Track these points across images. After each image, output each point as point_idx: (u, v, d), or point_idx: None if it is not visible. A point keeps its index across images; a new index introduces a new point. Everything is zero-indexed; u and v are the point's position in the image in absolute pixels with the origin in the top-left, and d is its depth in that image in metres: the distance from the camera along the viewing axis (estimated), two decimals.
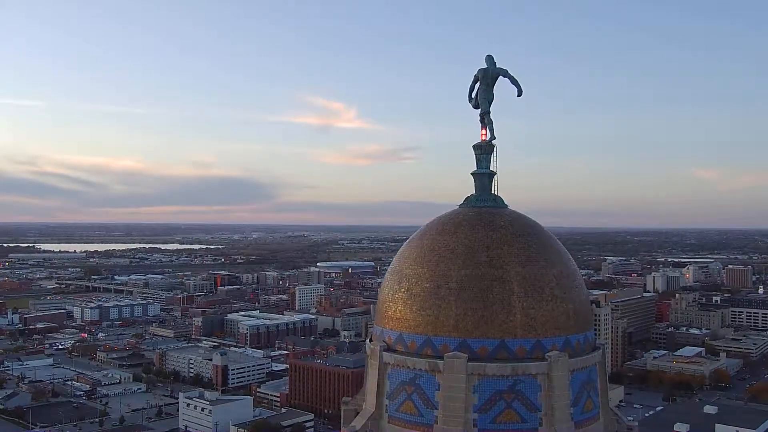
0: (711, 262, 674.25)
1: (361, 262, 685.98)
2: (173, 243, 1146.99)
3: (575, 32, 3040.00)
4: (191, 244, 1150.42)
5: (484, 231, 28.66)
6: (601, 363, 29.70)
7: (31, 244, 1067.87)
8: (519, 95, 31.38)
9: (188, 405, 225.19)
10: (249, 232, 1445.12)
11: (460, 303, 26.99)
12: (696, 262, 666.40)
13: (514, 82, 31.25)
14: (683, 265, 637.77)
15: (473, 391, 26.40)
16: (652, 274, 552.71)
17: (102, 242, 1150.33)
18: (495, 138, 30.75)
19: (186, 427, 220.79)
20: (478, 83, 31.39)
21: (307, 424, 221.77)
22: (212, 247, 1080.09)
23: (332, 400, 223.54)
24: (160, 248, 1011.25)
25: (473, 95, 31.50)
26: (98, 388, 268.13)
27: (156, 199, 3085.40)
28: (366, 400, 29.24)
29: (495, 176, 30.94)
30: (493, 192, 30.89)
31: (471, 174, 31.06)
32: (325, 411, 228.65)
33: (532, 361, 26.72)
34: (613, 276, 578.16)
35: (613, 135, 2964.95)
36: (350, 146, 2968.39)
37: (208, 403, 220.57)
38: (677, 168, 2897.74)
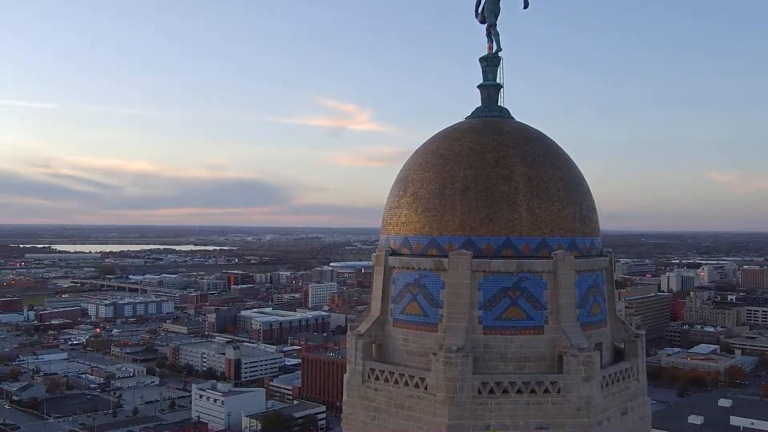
0: (726, 263, 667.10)
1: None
2: (187, 244, 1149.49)
3: (587, 34, 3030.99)
4: (205, 245, 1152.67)
5: (490, 136, 28.61)
6: (608, 270, 29.50)
7: (46, 245, 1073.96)
8: (525, 7, 31.36)
9: (201, 396, 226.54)
10: (263, 234, 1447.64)
11: (465, 202, 26.87)
12: (711, 264, 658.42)
13: None
14: (698, 266, 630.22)
15: (478, 287, 26.21)
16: (667, 274, 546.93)
17: (117, 244, 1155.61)
18: (501, 50, 30.78)
19: (199, 417, 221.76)
20: None
21: (319, 416, 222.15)
22: (226, 248, 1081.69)
23: None
24: (174, 249, 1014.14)
25: (479, 10, 31.49)
26: (112, 381, 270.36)
27: (170, 201, 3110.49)
28: (371, 306, 29.11)
29: (501, 89, 30.92)
30: (499, 104, 30.82)
31: (477, 87, 31.08)
32: (337, 403, 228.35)
33: (537, 258, 26.58)
34: (627, 276, 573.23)
35: (627, 137, 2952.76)
36: (363, 148, 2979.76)
37: (220, 394, 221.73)
38: (692, 171, 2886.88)
